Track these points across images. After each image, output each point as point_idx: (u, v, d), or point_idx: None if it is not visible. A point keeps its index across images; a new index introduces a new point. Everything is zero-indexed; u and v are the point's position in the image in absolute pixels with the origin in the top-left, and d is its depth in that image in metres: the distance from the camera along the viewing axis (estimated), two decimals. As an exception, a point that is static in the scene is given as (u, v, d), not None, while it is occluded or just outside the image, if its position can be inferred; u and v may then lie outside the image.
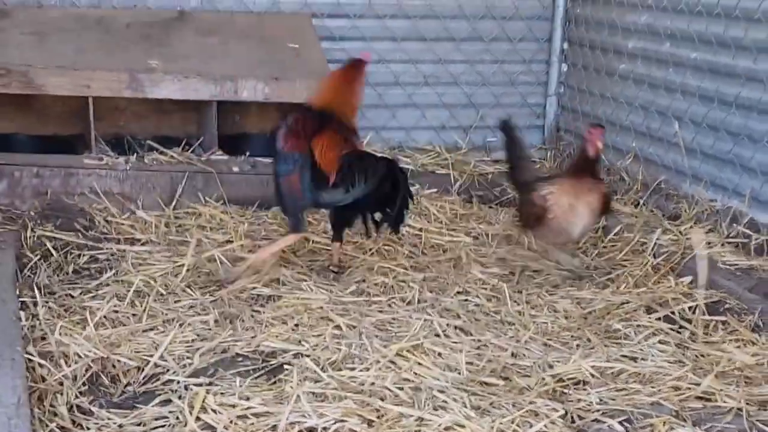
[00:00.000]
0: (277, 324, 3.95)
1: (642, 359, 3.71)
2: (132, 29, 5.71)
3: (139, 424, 3.22)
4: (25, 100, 5.49)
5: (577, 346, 3.85)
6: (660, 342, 3.87)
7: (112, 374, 3.57)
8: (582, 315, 4.16)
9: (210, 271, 4.44)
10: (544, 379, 3.52)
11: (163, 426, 3.20)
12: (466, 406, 3.31)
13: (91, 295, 4.19)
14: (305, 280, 4.35)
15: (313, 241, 4.90)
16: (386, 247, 4.83)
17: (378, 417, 3.22)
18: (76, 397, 3.36)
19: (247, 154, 5.55)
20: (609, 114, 6.12)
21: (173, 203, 5.22)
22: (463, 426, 3.15)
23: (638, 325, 4.05)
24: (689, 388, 3.47)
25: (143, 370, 3.59)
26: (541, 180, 4.55)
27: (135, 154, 5.39)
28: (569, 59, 6.66)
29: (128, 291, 4.18)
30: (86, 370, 3.53)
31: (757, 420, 3.28)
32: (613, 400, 3.41)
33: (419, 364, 3.60)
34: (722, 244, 4.81)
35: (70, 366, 3.51)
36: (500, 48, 6.63)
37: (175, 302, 4.17)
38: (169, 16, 5.89)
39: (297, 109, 4.59)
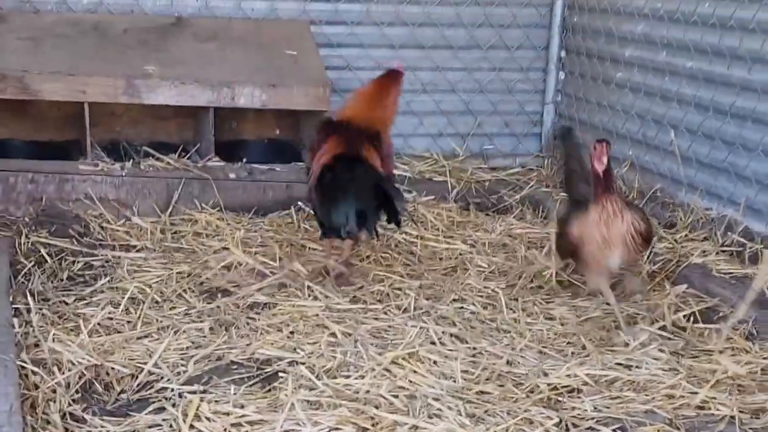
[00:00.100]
0: (272, 331, 3.95)
1: (636, 367, 3.71)
2: (129, 35, 5.71)
3: (132, 432, 3.22)
4: (21, 105, 5.49)
5: (572, 353, 3.85)
6: (658, 350, 3.86)
7: (105, 382, 3.56)
8: (578, 323, 4.16)
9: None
10: (539, 386, 3.52)
11: (156, 434, 3.19)
12: (461, 414, 3.30)
13: (85, 302, 4.18)
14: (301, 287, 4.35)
15: (309, 248, 4.89)
16: (383, 255, 4.83)
17: (373, 425, 3.21)
18: (69, 404, 3.35)
19: (244, 160, 5.54)
20: (606, 122, 6.13)
21: (169, 210, 5.21)
22: (457, 434, 3.15)
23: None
24: (683, 397, 3.47)
25: (137, 377, 3.57)
26: (576, 208, 4.26)
27: (131, 160, 5.38)
28: (566, 67, 6.67)
29: (123, 298, 4.17)
30: (80, 378, 3.52)
31: (750, 428, 3.28)
32: (608, 408, 3.41)
33: (414, 371, 3.60)
34: (717, 253, 4.81)
35: (63, 373, 3.49)
36: (498, 56, 6.64)
37: (170, 309, 4.17)
38: (167, 21, 5.89)
39: (321, 121, 4.62)
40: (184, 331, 3.93)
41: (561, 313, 4.25)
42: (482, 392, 3.49)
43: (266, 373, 3.61)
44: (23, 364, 3.45)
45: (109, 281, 4.40)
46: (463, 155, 6.44)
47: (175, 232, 5.06)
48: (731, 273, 4.58)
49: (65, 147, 5.62)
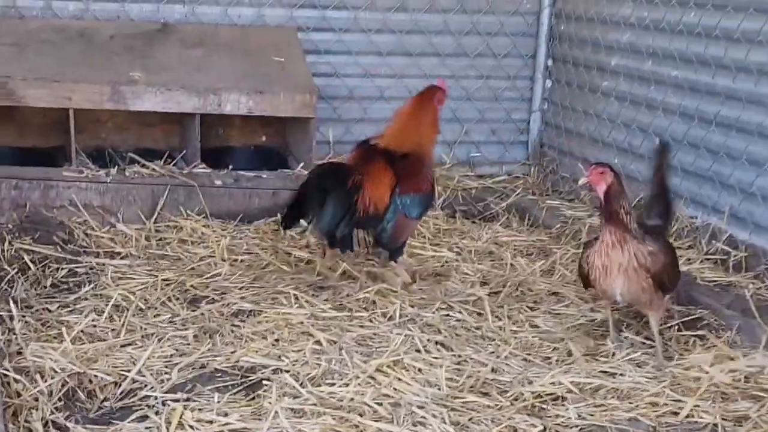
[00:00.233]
0: (257, 339, 3.94)
1: (620, 375, 3.72)
2: (115, 41, 5.69)
3: (115, 440, 3.20)
4: (5, 111, 5.46)
5: (557, 361, 3.85)
6: (642, 357, 3.88)
7: (88, 389, 3.55)
8: (563, 330, 4.16)
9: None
10: (523, 394, 3.52)
11: (139, 442, 3.18)
12: (445, 422, 3.31)
13: (68, 309, 4.17)
14: (286, 295, 4.35)
15: (294, 256, 4.89)
16: (368, 262, 4.82)
17: (356, 433, 3.21)
18: (52, 412, 3.33)
19: (230, 167, 5.53)
20: (592, 131, 6.14)
21: (154, 217, 5.19)
22: (441, 442, 3.15)
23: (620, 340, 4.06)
24: (666, 404, 3.48)
25: (120, 385, 3.56)
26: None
27: (116, 167, 5.35)
28: (553, 76, 6.68)
29: (107, 305, 4.16)
30: (62, 386, 3.51)
31: (733, 436, 3.30)
32: (592, 415, 3.42)
33: (399, 379, 3.60)
34: (701, 261, 4.83)
35: (46, 381, 3.48)
36: (485, 64, 6.65)
37: (155, 317, 4.15)
38: (153, 28, 5.87)
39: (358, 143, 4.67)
40: (168, 339, 3.92)
41: (546, 321, 4.25)
42: (467, 400, 3.48)
43: (250, 380, 3.61)
44: (5, 372, 3.44)
45: (93, 288, 4.39)
46: (450, 163, 6.45)
47: (160, 239, 5.04)
48: (716, 281, 4.60)
49: (50, 153, 5.60)
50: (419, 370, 3.69)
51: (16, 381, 3.43)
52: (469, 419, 3.35)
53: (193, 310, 4.24)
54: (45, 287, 4.39)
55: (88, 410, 3.43)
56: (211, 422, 3.27)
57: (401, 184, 4.43)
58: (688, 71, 5.27)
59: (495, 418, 3.36)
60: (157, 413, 3.34)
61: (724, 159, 4.97)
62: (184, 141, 5.68)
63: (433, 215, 5.57)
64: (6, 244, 4.70)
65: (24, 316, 4.00)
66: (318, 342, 3.90)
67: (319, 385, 3.53)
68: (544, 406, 3.48)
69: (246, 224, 5.26)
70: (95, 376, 3.58)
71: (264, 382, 3.58)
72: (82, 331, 3.94)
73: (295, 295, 4.35)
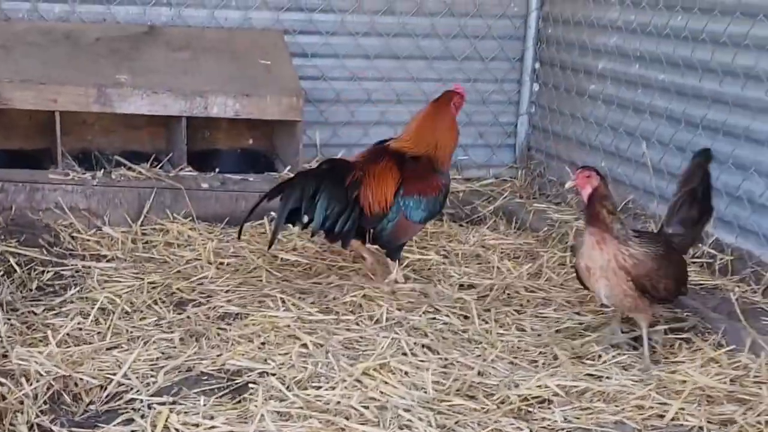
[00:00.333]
0: (243, 342, 3.93)
1: (606, 378, 3.72)
2: (101, 44, 5.68)
3: (100, 443, 3.19)
4: (-9, 113, 5.45)
5: (543, 364, 3.85)
6: (627, 362, 3.88)
7: (74, 393, 3.53)
8: (549, 334, 4.16)
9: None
10: (509, 397, 3.52)
11: (125, 445, 3.17)
12: (431, 425, 3.30)
13: (54, 312, 4.15)
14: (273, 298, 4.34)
15: (282, 258, 4.88)
16: (355, 264, 4.81)
17: (343, 436, 3.21)
18: (37, 416, 3.32)
19: (217, 170, 5.52)
20: (579, 134, 6.15)
21: (140, 219, 5.18)
22: (427, 445, 3.15)
23: (600, 335, 4.07)
24: (652, 407, 3.48)
25: (106, 388, 3.55)
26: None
27: (102, 170, 5.35)
28: (540, 79, 6.70)
29: (92, 308, 4.15)
30: (48, 389, 3.49)
31: (719, 439, 3.31)
32: (578, 418, 3.42)
33: (385, 382, 3.59)
34: (688, 264, 4.82)
35: (31, 384, 3.46)
36: (472, 67, 6.66)
37: (141, 320, 4.14)
38: (139, 30, 5.86)
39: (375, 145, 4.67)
40: (154, 342, 3.91)
41: (532, 325, 4.25)
42: (453, 403, 3.48)
43: (236, 384, 3.60)
44: (-10, 376, 3.43)
45: (78, 291, 4.37)
46: (437, 166, 6.44)
47: (147, 242, 5.03)
48: (702, 284, 4.61)
49: (36, 156, 5.57)
50: (406, 373, 3.68)
51: (1, 384, 3.40)
52: (456, 422, 3.34)
53: (180, 313, 4.23)
54: (30, 290, 4.38)
55: (73, 414, 3.42)
56: (197, 425, 3.26)
57: (405, 185, 4.43)
58: (674, 75, 5.29)
59: (481, 421, 3.36)
60: (142, 416, 3.33)
61: (711, 162, 4.97)
62: (171, 144, 5.67)
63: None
64: (-9, 246, 4.69)
65: (9, 319, 3.97)
66: (304, 345, 3.89)
67: (306, 389, 3.52)
68: (530, 409, 3.48)
69: (233, 227, 5.24)
70: (81, 379, 3.57)
71: (250, 385, 3.57)
72: (67, 334, 3.92)
73: (281, 298, 4.34)
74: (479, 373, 3.73)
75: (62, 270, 4.61)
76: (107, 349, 3.84)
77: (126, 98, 5.31)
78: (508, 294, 4.63)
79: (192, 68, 5.61)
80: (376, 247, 4.61)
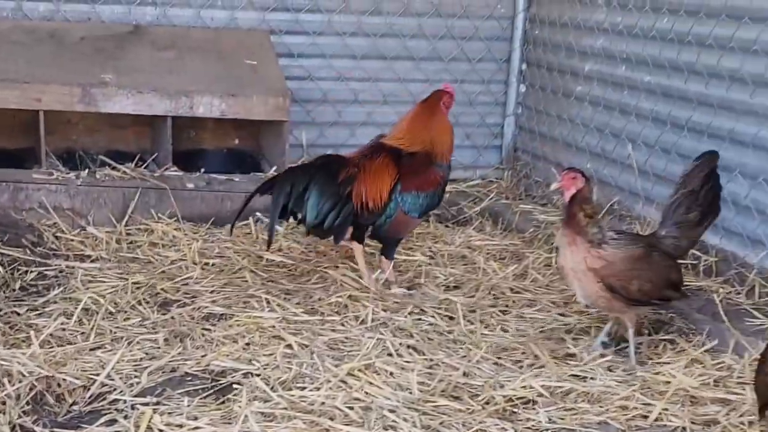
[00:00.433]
0: (228, 343, 3.92)
1: (591, 379, 3.72)
2: (85, 43, 5.65)
3: (83, 444, 3.18)
4: (-25, 113, 5.42)
5: (528, 365, 3.85)
6: (612, 363, 3.88)
7: (57, 393, 3.52)
8: (534, 334, 4.16)
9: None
10: (494, 398, 3.51)
11: (107, 446, 3.16)
12: (416, 426, 3.30)
13: (37, 312, 4.13)
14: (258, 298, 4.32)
15: (267, 259, 4.86)
16: (341, 265, 4.80)
17: (327, 437, 3.20)
18: (19, 416, 3.31)
19: (203, 170, 5.50)
20: (565, 135, 6.16)
21: (125, 219, 5.16)
22: (411, 446, 3.15)
23: (588, 345, 4.07)
24: (636, 408, 3.49)
25: (89, 389, 3.54)
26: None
27: (87, 169, 5.32)
28: (527, 80, 6.70)
29: (76, 308, 4.13)
30: (30, 389, 3.48)
31: (703, 440, 3.32)
32: (562, 419, 3.42)
33: (370, 383, 3.59)
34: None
35: (13, 385, 3.45)
36: (459, 68, 6.65)
37: (124, 320, 4.13)
38: (124, 30, 5.83)
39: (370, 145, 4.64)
40: (138, 342, 3.90)
41: (517, 326, 4.25)
42: (438, 404, 3.47)
43: (221, 384, 3.59)
44: (-28, 376, 3.40)
45: (62, 292, 4.36)
46: (424, 167, 6.43)
47: (131, 242, 5.01)
48: (686, 286, 4.59)
49: (19, 155, 5.54)
50: (391, 374, 3.68)
51: (-17, 385, 3.39)
52: (440, 423, 3.34)
53: (164, 314, 4.21)
54: (14, 290, 4.35)
55: (56, 414, 3.41)
56: (180, 426, 3.25)
57: (403, 181, 4.43)
58: (660, 77, 5.30)
59: (466, 422, 3.36)
60: (126, 417, 3.32)
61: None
62: (156, 143, 5.65)
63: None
64: (-26, 246, 4.66)
65: (-8, 320, 3.96)
66: (289, 346, 3.88)
67: (290, 389, 3.52)
68: (515, 409, 3.48)
69: (218, 228, 5.22)
70: (64, 379, 3.55)
71: (234, 386, 3.56)
72: (50, 334, 3.90)
73: (266, 299, 4.33)
74: (464, 374, 3.72)
75: (46, 270, 4.59)
76: (91, 349, 3.83)
77: (111, 98, 5.28)
78: (494, 295, 4.62)
79: (177, 68, 5.59)
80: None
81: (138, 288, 4.44)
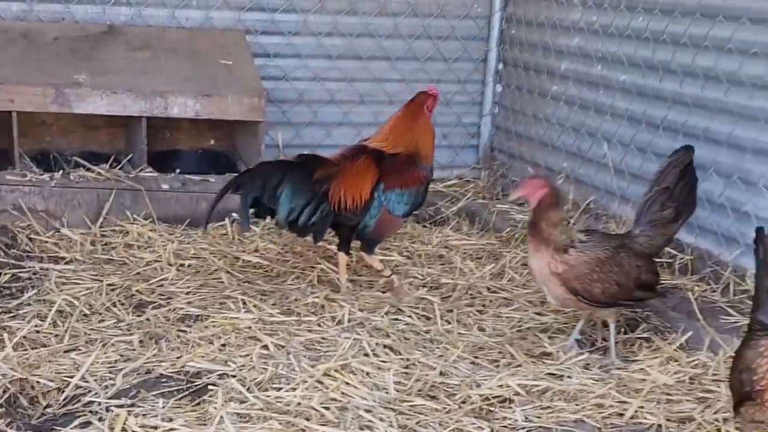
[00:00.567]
0: (203, 344, 3.90)
1: (567, 377, 3.73)
2: (59, 43, 5.60)
3: (57, 447, 3.15)
4: (-53, 114, 5.36)
5: (505, 364, 3.85)
6: (589, 359, 3.90)
7: (31, 396, 3.50)
8: (510, 333, 4.17)
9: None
10: (471, 397, 3.51)
11: (81, 448, 3.13)
12: (392, 426, 3.29)
13: (11, 314, 4.10)
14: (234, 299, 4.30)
15: (243, 260, 4.84)
16: (317, 266, 4.79)
17: (303, 437, 3.18)
18: (-8, 419, 3.28)
19: (178, 171, 5.47)
20: (541, 135, 6.17)
21: (100, 221, 5.12)
22: (388, 445, 3.14)
23: (564, 344, 4.07)
24: (612, 406, 3.50)
25: (64, 391, 3.51)
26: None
27: (61, 171, 5.28)
28: (504, 80, 6.71)
29: (50, 311, 4.10)
30: (4, 392, 3.46)
31: (677, 437, 3.33)
32: (538, 417, 3.43)
33: (347, 383, 3.58)
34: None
35: (-14, 388, 3.41)
36: (436, 68, 6.65)
37: (99, 322, 4.10)
38: (98, 30, 5.79)
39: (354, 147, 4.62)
40: (112, 344, 3.87)
41: (494, 325, 4.25)
42: (414, 403, 3.47)
43: (196, 386, 3.57)
44: (-56, 379, 3.37)
45: (36, 294, 4.32)
46: (401, 167, 6.42)
47: (106, 244, 4.97)
48: (662, 284, 4.62)
49: (-8, 156, 5.49)
50: (367, 373, 3.67)
51: (-45, 388, 3.36)
52: (417, 422, 3.34)
53: (139, 315, 4.19)
54: (-13, 293, 4.32)
55: (30, 417, 3.38)
56: (155, 428, 3.23)
57: (386, 180, 4.41)
58: (636, 76, 5.32)
59: (442, 421, 3.35)
60: (100, 419, 3.29)
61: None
62: (131, 144, 5.61)
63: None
64: (-53, 248, 4.62)
65: (-36, 322, 3.92)
66: (265, 347, 3.86)
67: (266, 390, 3.50)
68: (491, 408, 3.49)
69: (194, 229, 5.19)
70: (38, 382, 3.53)
71: (210, 387, 3.54)
72: (24, 336, 3.87)
73: (242, 299, 4.31)
74: (441, 373, 3.72)
75: (19, 272, 4.56)
76: (65, 351, 3.80)
77: (84, 98, 5.24)
78: (471, 294, 4.62)
79: (152, 68, 5.56)
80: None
81: (113, 290, 4.41)
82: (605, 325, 4.09)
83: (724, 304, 4.33)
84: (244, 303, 4.29)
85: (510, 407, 3.48)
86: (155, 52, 5.71)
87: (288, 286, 4.57)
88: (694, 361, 3.88)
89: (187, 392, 3.52)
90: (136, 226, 5.13)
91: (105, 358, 3.74)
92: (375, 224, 4.42)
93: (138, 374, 3.65)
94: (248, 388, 3.50)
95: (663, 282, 4.59)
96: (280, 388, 3.52)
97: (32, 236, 4.95)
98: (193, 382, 3.60)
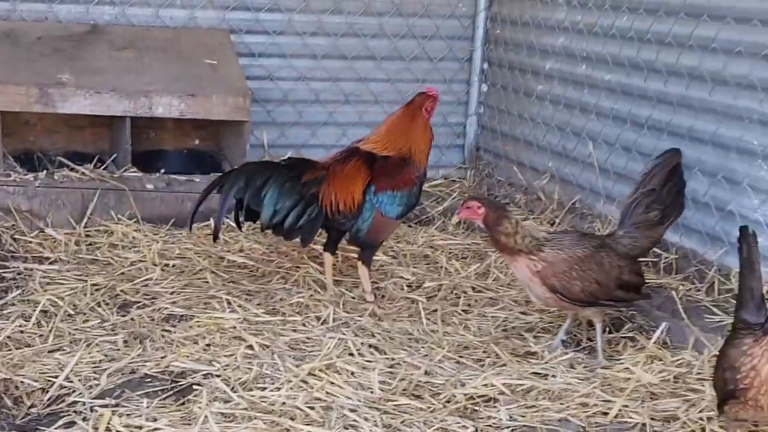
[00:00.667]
0: (188, 344, 3.90)
1: (552, 376, 3.74)
2: (43, 43, 5.58)
3: (41, 447, 3.14)
4: (-71, 114, 5.33)
5: (490, 363, 3.86)
6: (574, 358, 3.91)
7: (15, 396, 3.49)
8: (495, 333, 4.17)
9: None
10: (455, 396, 3.51)
11: (65, 449, 3.12)
12: (377, 425, 3.29)
13: (-6, 315, 4.08)
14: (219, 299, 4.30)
15: (228, 260, 4.83)
16: (302, 266, 4.79)
17: (287, 437, 3.18)
18: (-24, 420, 3.26)
19: (162, 171, 5.46)
20: (527, 134, 6.18)
21: (84, 221, 5.11)
22: (372, 445, 3.14)
23: (549, 343, 4.09)
24: (596, 405, 3.50)
25: (48, 391, 3.50)
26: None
27: (45, 171, 5.26)
28: (489, 79, 6.72)
29: (34, 311, 4.08)
30: (-13, 392, 3.43)
31: (661, 435, 3.34)
32: (523, 416, 3.43)
33: (332, 383, 3.57)
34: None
35: (-31, 388, 3.40)
36: (421, 67, 6.65)
37: (84, 322, 4.08)
38: (82, 29, 5.77)
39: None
40: (97, 344, 3.86)
41: (479, 324, 4.26)
42: (399, 403, 3.47)
43: (180, 386, 3.56)
44: (-73, 380, 3.35)
45: (20, 294, 4.31)
46: (386, 166, 6.42)
47: (90, 244, 4.96)
48: (646, 283, 4.63)
49: (-24, 157, 5.46)
50: (352, 373, 3.67)
51: (-61, 388, 3.34)
52: (402, 422, 3.34)
53: (123, 315, 4.18)
54: (-30, 293, 4.30)
55: (14, 417, 3.37)
56: (139, 428, 3.23)
57: (377, 182, 4.37)
58: (620, 75, 5.33)
59: (427, 420, 3.35)
60: (84, 419, 3.28)
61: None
62: (115, 144, 5.59)
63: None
64: (-70, 249, 4.59)
65: (-53, 323, 3.90)
66: (250, 347, 3.86)
67: (251, 390, 3.49)
68: (476, 407, 3.49)
69: (178, 228, 5.18)
70: (22, 382, 3.52)
71: (194, 387, 3.53)
72: (8, 336, 3.86)
73: (227, 299, 4.30)
74: (426, 373, 3.72)
75: (4, 272, 4.54)
76: (49, 351, 3.79)
77: (68, 98, 5.22)
78: (456, 294, 4.63)
79: (136, 68, 5.54)
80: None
81: (97, 290, 4.40)
82: (591, 325, 4.10)
83: (709, 303, 4.35)
84: (229, 303, 4.28)
85: (495, 406, 3.49)
86: (139, 51, 5.69)
87: (273, 286, 4.56)
88: (678, 360, 3.89)
89: (171, 392, 3.51)
90: (121, 226, 5.11)
91: (89, 358, 3.73)
92: (368, 227, 4.38)
93: (122, 374, 3.64)
94: (233, 388, 3.49)
95: (648, 282, 4.61)
96: (265, 388, 3.51)
97: (16, 236, 4.94)
98: (178, 382, 3.59)
